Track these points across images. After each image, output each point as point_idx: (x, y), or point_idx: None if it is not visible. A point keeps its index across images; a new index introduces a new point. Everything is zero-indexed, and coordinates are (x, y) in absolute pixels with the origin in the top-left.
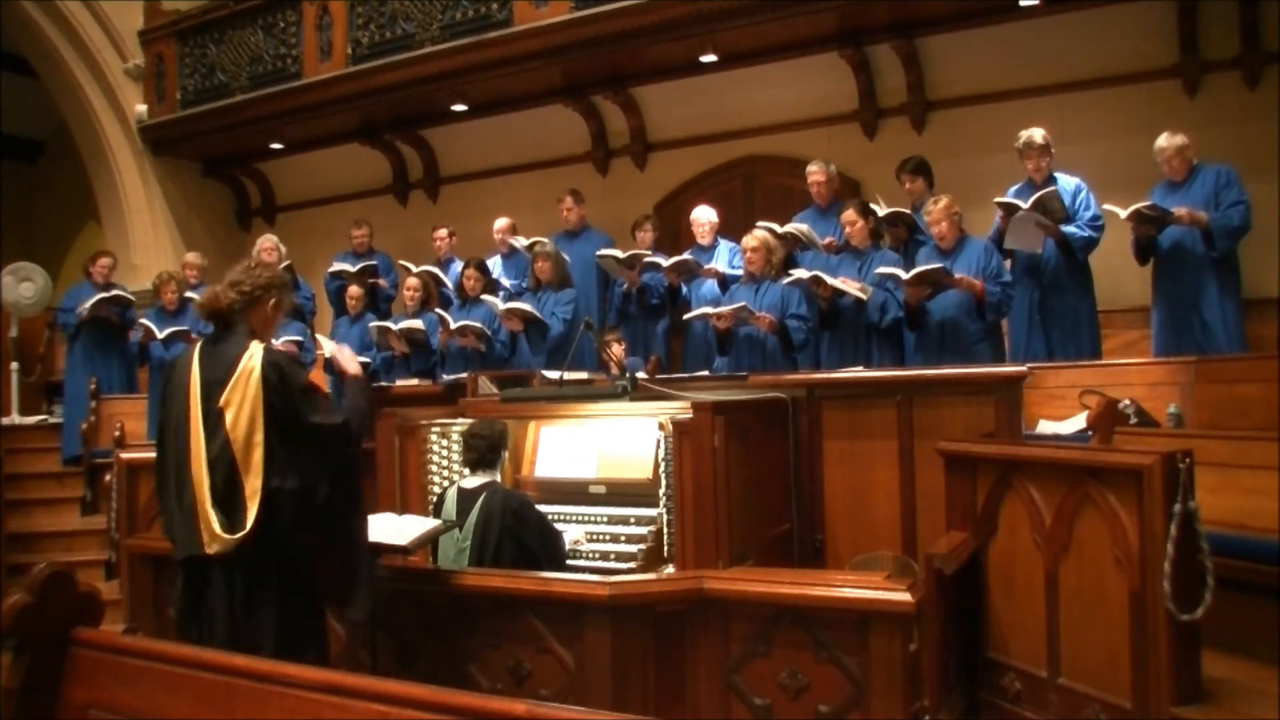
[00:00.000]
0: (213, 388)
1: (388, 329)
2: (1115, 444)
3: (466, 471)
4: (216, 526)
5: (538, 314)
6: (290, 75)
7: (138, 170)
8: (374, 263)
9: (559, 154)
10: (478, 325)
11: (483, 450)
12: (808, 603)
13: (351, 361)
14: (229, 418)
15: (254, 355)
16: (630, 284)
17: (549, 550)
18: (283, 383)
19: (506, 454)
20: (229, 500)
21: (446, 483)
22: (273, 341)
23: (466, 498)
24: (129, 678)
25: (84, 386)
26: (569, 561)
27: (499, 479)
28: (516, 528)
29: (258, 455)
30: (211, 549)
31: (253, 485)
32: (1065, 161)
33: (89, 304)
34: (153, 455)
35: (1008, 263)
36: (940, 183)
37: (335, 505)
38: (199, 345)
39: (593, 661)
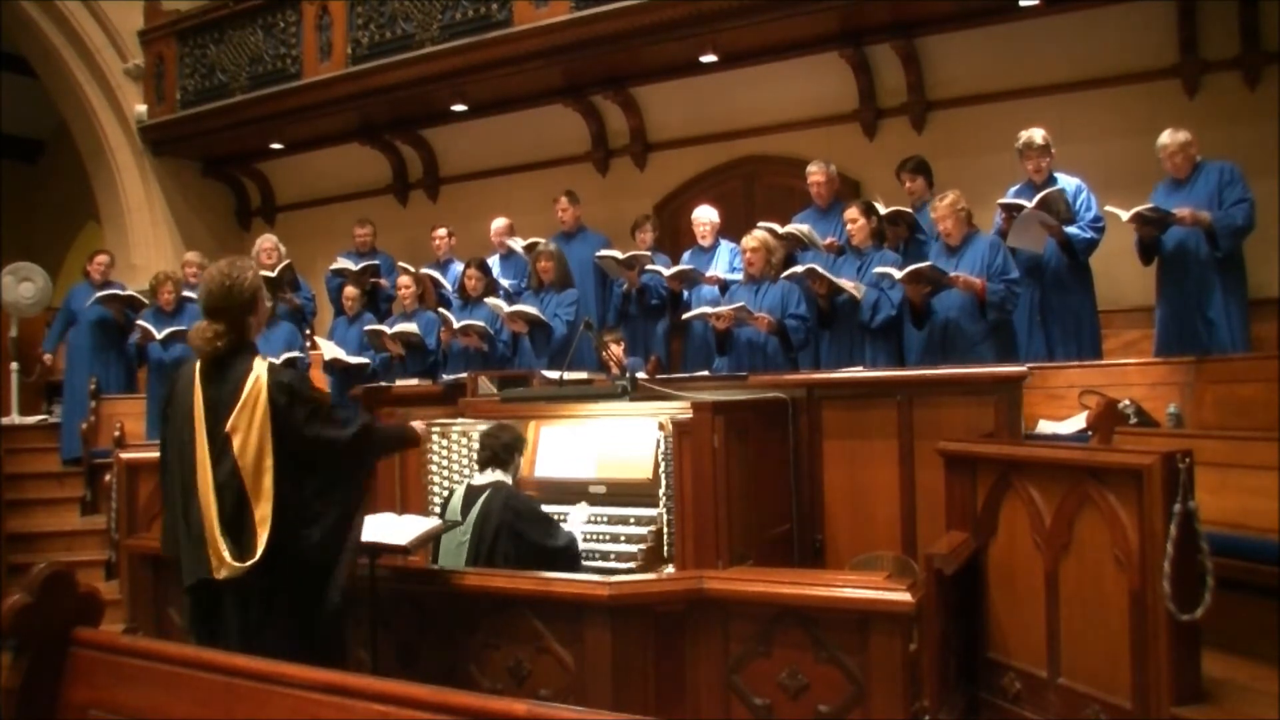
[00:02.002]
0: (219, 410)
1: (381, 332)
2: (1115, 444)
3: (477, 469)
4: (226, 554)
5: (542, 316)
6: (290, 75)
7: (138, 170)
8: (376, 262)
9: (559, 154)
10: (481, 325)
11: (495, 449)
12: (808, 603)
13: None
14: (237, 443)
15: (260, 376)
16: (630, 285)
17: (555, 555)
18: (291, 406)
19: (521, 459)
20: (237, 526)
21: (446, 483)
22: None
23: (472, 494)
24: (129, 678)
25: (83, 386)
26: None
27: (509, 479)
28: (514, 523)
29: (267, 481)
30: (221, 574)
31: (262, 512)
32: (1065, 161)
33: (101, 294)
34: (153, 455)
35: None
36: (940, 183)
37: (340, 512)
38: (199, 365)
39: (593, 661)
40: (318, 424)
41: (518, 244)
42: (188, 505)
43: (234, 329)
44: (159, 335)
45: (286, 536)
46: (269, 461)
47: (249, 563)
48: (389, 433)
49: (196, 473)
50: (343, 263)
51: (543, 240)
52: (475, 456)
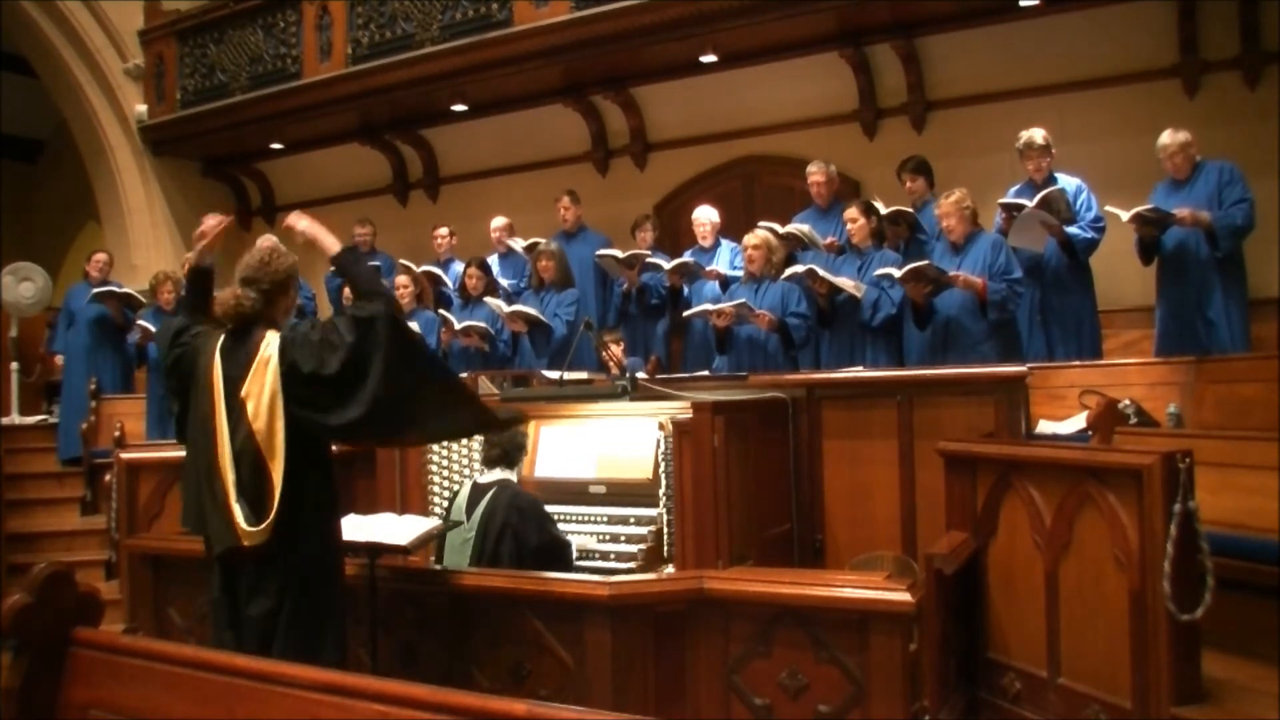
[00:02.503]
0: (234, 382)
1: None
2: (1115, 444)
3: (483, 468)
4: (242, 521)
5: (542, 316)
6: (290, 75)
7: (138, 170)
8: (377, 263)
9: (559, 154)
10: (482, 325)
11: (504, 448)
12: (808, 603)
13: (324, 234)
14: (250, 409)
15: (270, 343)
16: (630, 284)
17: (545, 551)
18: (300, 344)
19: (525, 456)
20: (255, 492)
21: (446, 483)
22: None
23: (478, 491)
24: (129, 678)
25: (81, 386)
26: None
27: (514, 478)
28: (518, 523)
29: (280, 440)
30: (246, 542)
31: (278, 473)
32: (1065, 161)
33: (97, 290)
34: (153, 455)
35: None
36: (940, 183)
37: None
38: (220, 341)
39: (593, 661)
40: (332, 339)
41: (519, 244)
42: (210, 478)
43: (261, 299)
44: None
45: (302, 501)
46: (280, 423)
47: (264, 525)
48: (366, 278)
49: (216, 444)
50: None
51: (544, 240)
52: (480, 454)
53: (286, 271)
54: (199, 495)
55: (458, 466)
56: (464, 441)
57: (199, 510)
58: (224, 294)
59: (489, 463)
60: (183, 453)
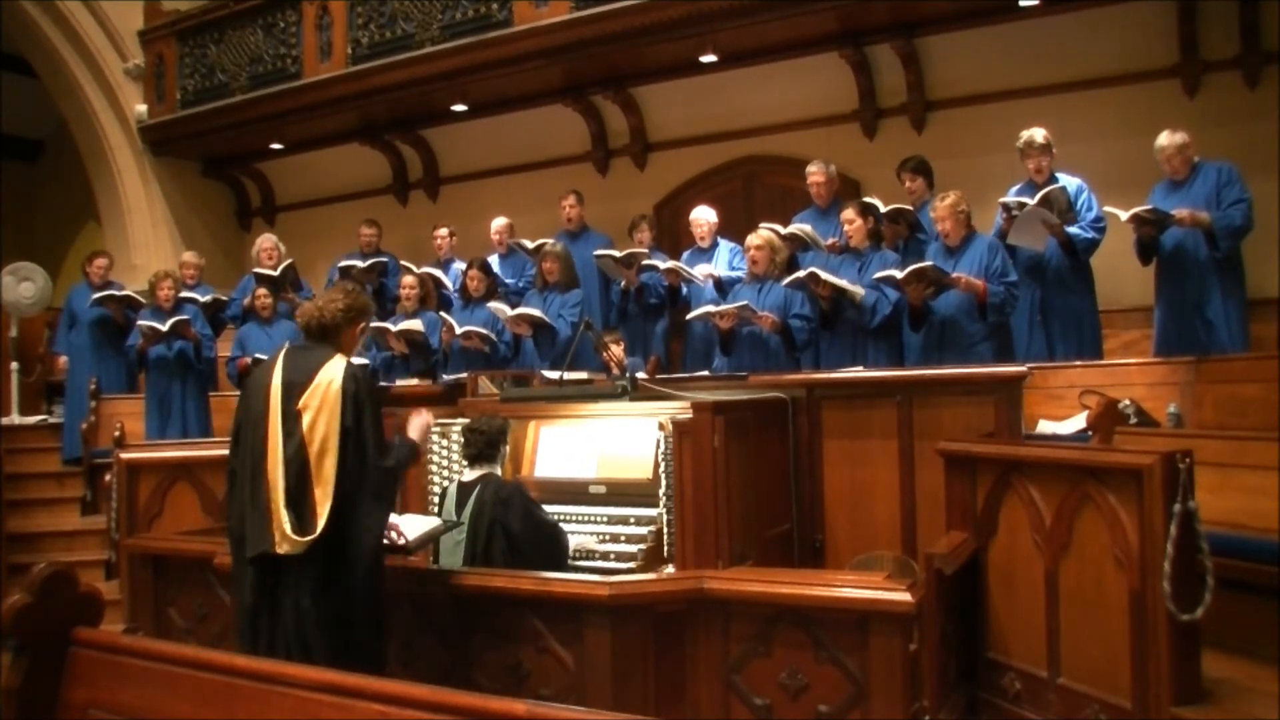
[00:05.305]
0: (293, 389)
1: (386, 330)
2: (1115, 444)
3: (467, 467)
4: (288, 527)
5: (545, 318)
6: (290, 75)
7: (138, 170)
8: (384, 260)
9: (559, 154)
10: (483, 330)
11: (481, 445)
12: (808, 603)
13: (417, 429)
14: (306, 420)
15: (336, 365)
16: (628, 283)
17: (538, 541)
18: (357, 395)
19: (507, 449)
20: (299, 502)
21: (447, 482)
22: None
23: (464, 491)
24: (129, 678)
25: (84, 385)
26: (570, 562)
27: (497, 471)
28: (504, 516)
29: (330, 462)
30: (282, 549)
31: (324, 490)
32: (1065, 161)
33: (99, 294)
34: (152, 455)
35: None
36: (940, 183)
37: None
38: (284, 350)
39: (593, 661)
40: (370, 431)
41: (527, 244)
42: (256, 481)
43: (342, 316)
44: (162, 327)
45: (345, 522)
46: (334, 444)
47: (308, 538)
48: (403, 459)
49: (267, 446)
50: (348, 261)
51: (550, 240)
52: (460, 453)
53: (363, 305)
54: (242, 496)
55: (457, 467)
56: (462, 439)
57: (241, 512)
58: (308, 304)
59: (471, 461)
60: (182, 453)
